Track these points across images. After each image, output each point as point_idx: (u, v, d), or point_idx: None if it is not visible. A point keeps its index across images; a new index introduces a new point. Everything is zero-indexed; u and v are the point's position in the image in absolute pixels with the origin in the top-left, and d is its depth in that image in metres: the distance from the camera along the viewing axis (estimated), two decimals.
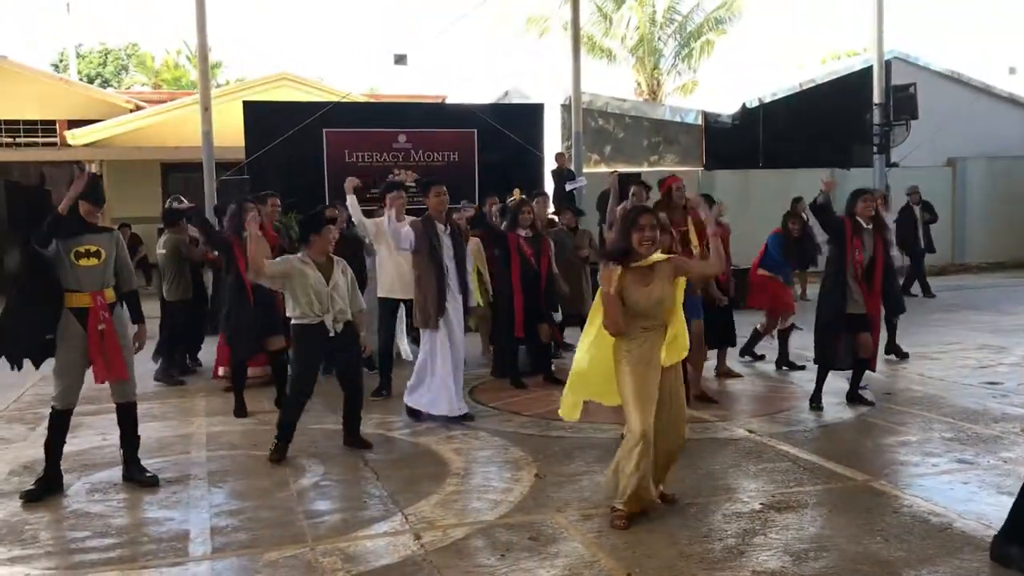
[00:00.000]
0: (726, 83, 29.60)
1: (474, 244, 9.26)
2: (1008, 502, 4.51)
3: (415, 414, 7.02)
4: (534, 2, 27.97)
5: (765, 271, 9.08)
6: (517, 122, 15.41)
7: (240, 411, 7.32)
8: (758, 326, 9.33)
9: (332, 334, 6.00)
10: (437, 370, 6.88)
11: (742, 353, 9.33)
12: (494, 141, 14.75)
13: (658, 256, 4.73)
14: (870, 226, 6.98)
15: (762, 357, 9.23)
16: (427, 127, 14.93)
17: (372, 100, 21.64)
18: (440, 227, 6.94)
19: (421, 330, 7.00)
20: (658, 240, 4.74)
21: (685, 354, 4.85)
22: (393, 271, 7.86)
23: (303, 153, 13.72)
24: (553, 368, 8.33)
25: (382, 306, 8.00)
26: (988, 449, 5.87)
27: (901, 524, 4.57)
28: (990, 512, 4.63)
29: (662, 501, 4.86)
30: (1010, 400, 7.23)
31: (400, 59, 15.66)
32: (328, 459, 6.02)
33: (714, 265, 5.06)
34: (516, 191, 9.78)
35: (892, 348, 9.16)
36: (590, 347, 4.78)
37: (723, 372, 8.41)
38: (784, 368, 8.84)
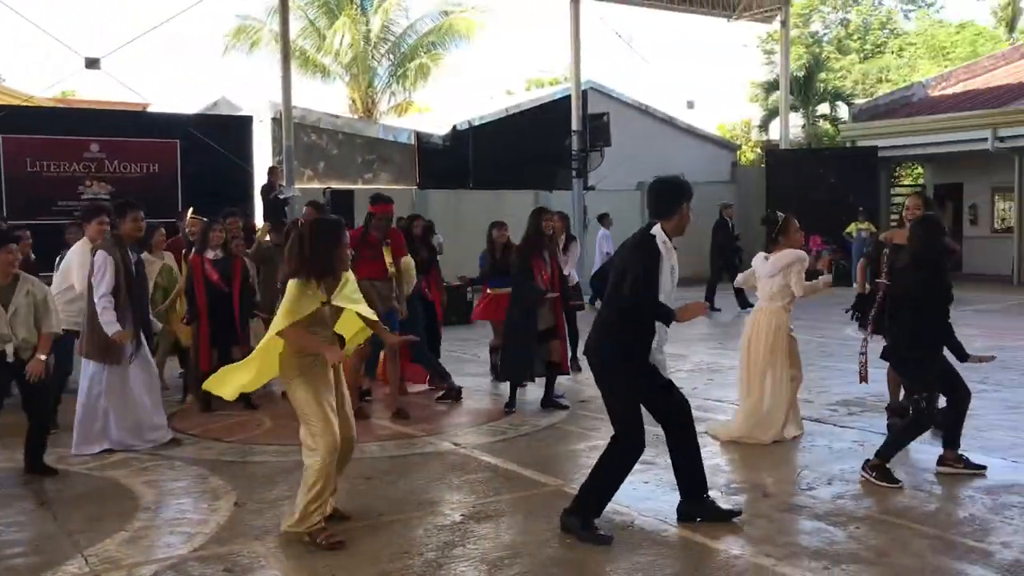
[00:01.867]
0: (441, 105, 30.32)
1: (171, 260, 8.78)
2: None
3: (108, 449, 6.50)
4: (245, 9, 27.18)
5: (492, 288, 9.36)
6: (225, 134, 14.88)
7: None
8: (492, 341, 9.61)
9: (11, 360, 5.62)
10: (114, 404, 6.43)
11: (492, 371, 9.51)
12: (199, 153, 14.12)
13: (348, 274, 4.83)
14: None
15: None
16: (124, 136, 14.02)
17: (61, 105, 19.92)
18: (131, 255, 6.49)
19: (95, 364, 6.40)
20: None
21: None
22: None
23: None
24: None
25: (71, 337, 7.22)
26: (666, 449, 6.37)
27: None
28: (666, 508, 5.05)
29: (334, 517, 4.84)
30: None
31: (92, 63, 14.54)
32: None
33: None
34: (189, 211, 9.36)
35: (573, 360, 9.77)
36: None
37: (434, 385, 8.57)
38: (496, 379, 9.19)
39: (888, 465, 5.49)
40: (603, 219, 16.46)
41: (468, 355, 9.97)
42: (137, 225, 6.51)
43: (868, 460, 5.59)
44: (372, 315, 4.91)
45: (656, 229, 4.68)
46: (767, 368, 6.56)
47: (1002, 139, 19.44)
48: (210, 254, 7.78)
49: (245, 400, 7.49)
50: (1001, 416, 7.22)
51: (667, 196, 4.74)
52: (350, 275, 4.84)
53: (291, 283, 4.64)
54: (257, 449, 6.51)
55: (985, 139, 19.52)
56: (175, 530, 4.88)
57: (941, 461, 5.73)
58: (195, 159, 14.10)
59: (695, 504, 4.86)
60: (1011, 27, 38.27)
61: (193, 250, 8.01)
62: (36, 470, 5.83)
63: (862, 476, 5.54)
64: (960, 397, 5.64)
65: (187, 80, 43.23)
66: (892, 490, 5.34)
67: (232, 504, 5.27)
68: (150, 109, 20.16)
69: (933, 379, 5.54)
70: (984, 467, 5.70)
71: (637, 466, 5.92)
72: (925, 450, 5.98)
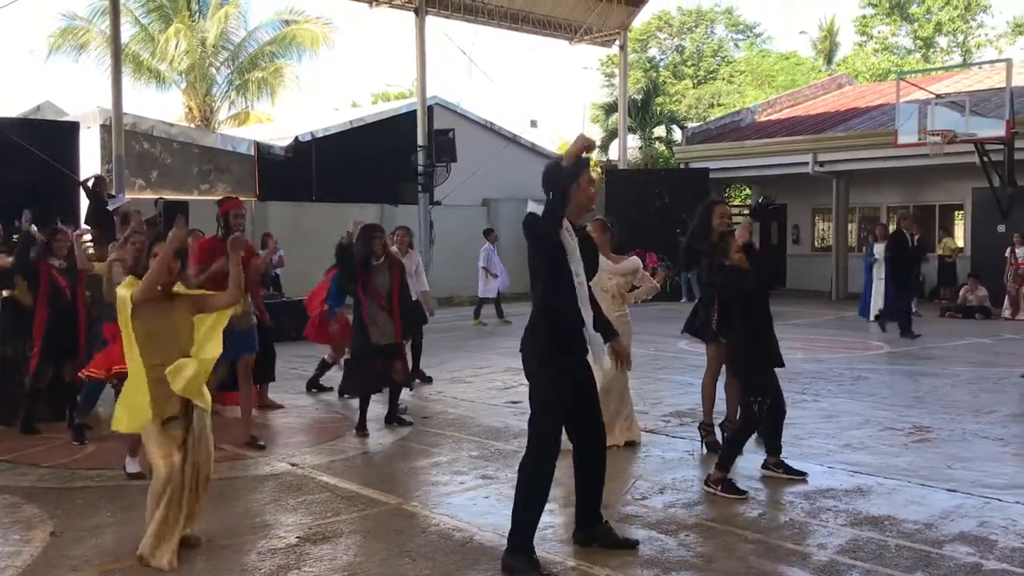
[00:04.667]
0: (283, 116, 29.70)
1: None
2: None
3: None
4: (72, 9, 25.80)
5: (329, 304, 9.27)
6: (48, 140, 14.02)
7: None
8: (326, 356, 9.48)
9: None
10: None
11: (308, 387, 9.37)
12: (19, 159, 13.23)
13: (181, 288, 4.61)
14: (381, 260, 7.50)
15: (330, 389, 9.28)
16: None
17: None
18: None
19: None
20: (176, 269, 4.60)
21: (201, 398, 4.64)
22: None
23: None
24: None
25: None
26: (507, 463, 6.43)
27: (428, 543, 4.84)
28: (506, 523, 5.00)
29: (184, 545, 4.61)
30: (528, 417, 8.03)
31: None
32: None
33: (229, 297, 4.76)
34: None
35: (416, 373, 9.77)
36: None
37: (264, 405, 8.32)
38: (314, 390, 9.37)
39: (730, 476, 5.71)
40: (487, 234, 16.54)
41: (308, 372, 9.74)
42: None
43: (709, 475, 5.75)
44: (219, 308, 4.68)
45: (531, 206, 4.48)
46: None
47: (821, 163, 20.82)
48: (55, 262, 7.36)
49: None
50: (819, 424, 7.68)
51: (546, 179, 4.54)
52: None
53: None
54: (79, 475, 6.13)
55: (806, 163, 20.85)
56: None
57: (764, 465, 6.06)
58: (14, 166, 13.20)
59: (592, 530, 4.69)
60: (829, 59, 41.15)
61: (31, 255, 7.52)
62: None
63: (706, 491, 5.67)
64: (780, 407, 5.98)
65: (6, 82, 40.53)
66: (726, 499, 5.54)
67: (48, 534, 4.93)
68: None
69: (764, 384, 5.81)
70: (805, 473, 6.03)
71: (479, 481, 6.02)
72: (748, 458, 6.27)
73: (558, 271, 4.42)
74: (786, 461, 6.07)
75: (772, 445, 6.10)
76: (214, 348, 4.60)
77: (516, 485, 4.50)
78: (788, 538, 4.90)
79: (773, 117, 25.46)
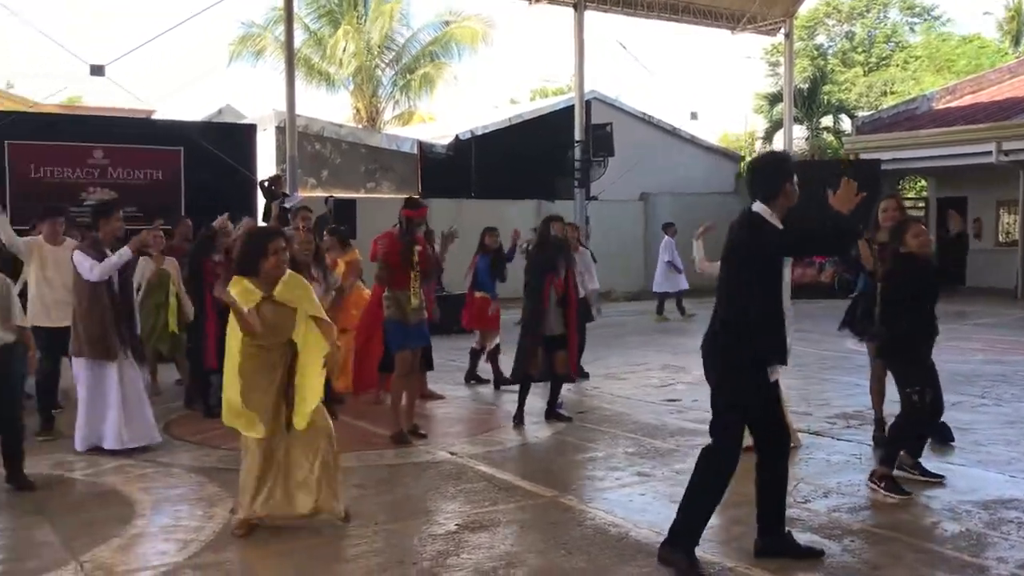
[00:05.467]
0: (445, 114, 30.43)
1: (172, 266, 8.82)
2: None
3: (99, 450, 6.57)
4: (250, 17, 27.34)
5: (481, 292, 9.49)
6: (229, 142, 14.91)
7: None
8: (474, 344, 9.68)
9: None
10: (111, 402, 6.53)
11: (467, 379, 9.61)
12: (203, 160, 14.15)
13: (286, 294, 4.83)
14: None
15: (487, 381, 9.50)
16: (128, 143, 14.03)
17: (66, 112, 20.00)
18: (110, 252, 6.65)
19: (84, 361, 6.58)
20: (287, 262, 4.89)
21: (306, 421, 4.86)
22: (49, 296, 7.39)
23: None
24: None
25: (36, 336, 7.23)
26: (664, 462, 6.39)
27: (584, 536, 4.86)
28: (662, 521, 5.01)
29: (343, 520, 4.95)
30: (685, 415, 7.93)
31: (97, 69, 14.60)
32: None
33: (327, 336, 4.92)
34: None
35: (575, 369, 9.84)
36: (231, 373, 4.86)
37: (425, 395, 8.55)
38: (473, 382, 9.57)
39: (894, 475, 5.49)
40: (667, 228, 16.45)
41: (467, 365, 9.95)
42: (118, 226, 6.69)
43: (873, 471, 5.57)
44: (319, 312, 4.90)
45: (758, 206, 4.33)
46: None
47: (1007, 152, 19.40)
48: (216, 257, 7.90)
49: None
50: (1000, 430, 7.20)
51: (768, 173, 4.44)
52: (296, 278, 4.92)
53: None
54: None
55: (990, 152, 19.48)
56: (170, 537, 4.88)
57: (899, 465, 5.75)
58: (199, 167, 14.13)
59: (776, 539, 4.53)
60: (1017, 41, 38.28)
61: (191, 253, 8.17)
62: (15, 482, 5.67)
63: (868, 488, 5.51)
64: (937, 405, 5.66)
65: (192, 87, 43.36)
66: (890, 503, 5.32)
67: (228, 511, 5.26)
68: (155, 116, 20.23)
69: (923, 373, 5.53)
70: (942, 476, 5.74)
71: (635, 478, 6.00)
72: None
73: (779, 278, 4.32)
74: (921, 463, 5.77)
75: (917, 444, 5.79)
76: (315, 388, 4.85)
77: (691, 480, 4.43)
78: (963, 549, 4.62)
79: (953, 104, 23.95)
